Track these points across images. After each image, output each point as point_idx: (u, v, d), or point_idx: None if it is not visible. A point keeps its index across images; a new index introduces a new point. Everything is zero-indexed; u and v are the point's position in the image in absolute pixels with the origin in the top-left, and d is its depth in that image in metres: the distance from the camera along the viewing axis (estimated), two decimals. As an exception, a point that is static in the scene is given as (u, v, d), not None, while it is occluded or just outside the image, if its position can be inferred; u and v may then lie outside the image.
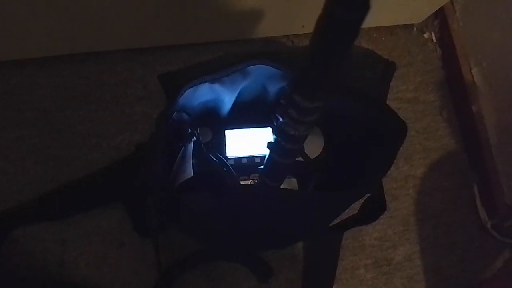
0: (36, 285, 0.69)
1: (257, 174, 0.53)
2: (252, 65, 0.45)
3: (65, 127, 0.74)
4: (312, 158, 0.53)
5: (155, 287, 0.70)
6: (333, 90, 0.28)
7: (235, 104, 0.54)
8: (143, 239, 0.71)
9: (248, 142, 0.56)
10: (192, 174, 0.47)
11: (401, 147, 0.88)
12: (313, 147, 0.54)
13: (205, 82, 0.45)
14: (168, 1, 0.63)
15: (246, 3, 0.68)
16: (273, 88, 0.53)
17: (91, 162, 0.72)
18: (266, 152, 0.54)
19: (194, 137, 0.49)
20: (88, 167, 0.72)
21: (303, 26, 0.81)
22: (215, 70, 0.45)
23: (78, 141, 0.74)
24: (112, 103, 0.76)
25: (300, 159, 0.52)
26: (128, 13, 0.65)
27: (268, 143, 0.39)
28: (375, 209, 0.55)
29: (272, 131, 0.36)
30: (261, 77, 0.50)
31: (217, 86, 0.47)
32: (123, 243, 0.71)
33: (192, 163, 0.49)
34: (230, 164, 0.52)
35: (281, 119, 0.33)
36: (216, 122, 0.56)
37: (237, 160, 0.55)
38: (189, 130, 0.49)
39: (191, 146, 0.50)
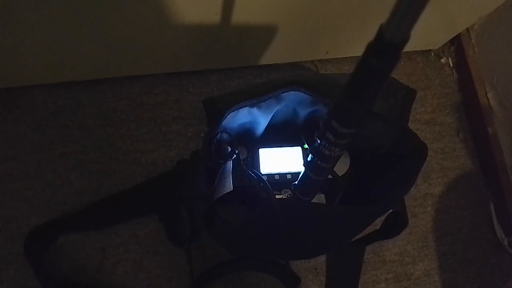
0: (77, 289, 0.74)
1: (288, 190, 0.58)
2: (288, 91, 0.51)
3: (107, 144, 0.79)
4: (340, 175, 0.58)
5: (187, 294, 0.74)
6: (367, 116, 0.33)
7: (268, 125, 0.59)
8: (176, 249, 0.75)
9: (280, 160, 0.61)
10: (232, 188, 0.52)
11: (420, 167, 0.91)
12: (341, 165, 0.59)
13: (246, 106, 0.50)
14: (200, 32, 0.69)
15: (272, 31, 0.74)
16: (303, 112, 0.59)
17: (130, 176, 0.78)
18: (296, 169, 0.60)
19: (234, 155, 0.54)
20: (127, 180, 0.77)
21: (327, 52, 0.86)
22: (254, 96, 0.51)
23: (119, 156, 0.79)
24: (150, 122, 0.82)
25: (329, 176, 0.56)
26: (165, 43, 0.71)
27: (305, 161, 0.44)
28: (397, 224, 0.60)
29: (309, 152, 0.41)
30: (293, 102, 0.56)
31: (255, 110, 0.53)
32: (158, 252, 0.75)
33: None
34: (264, 180, 0.57)
35: (318, 141, 0.38)
36: (251, 142, 0.61)
37: (270, 176, 0.60)
38: (229, 148, 0.54)
39: (230, 163, 0.55)
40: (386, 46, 0.25)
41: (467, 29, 0.94)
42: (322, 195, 0.59)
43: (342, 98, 0.31)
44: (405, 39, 0.25)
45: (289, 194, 0.56)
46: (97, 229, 0.75)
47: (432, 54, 0.97)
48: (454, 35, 0.92)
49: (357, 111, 0.32)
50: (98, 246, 0.75)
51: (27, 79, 0.78)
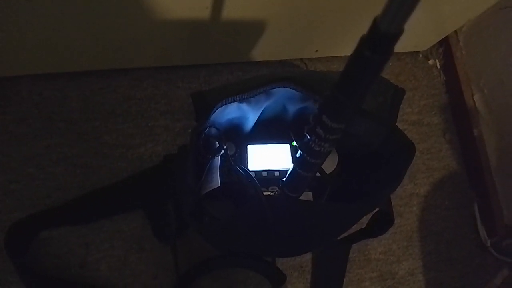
0: (59, 285, 0.72)
1: (275, 187, 0.58)
2: (278, 87, 0.50)
3: (93, 138, 0.78)
4: (328, 173, 0.58)
5: (172, 290, 0.74)
6: (357, 113, 0.33)
7: (257, 121, 0.59)
8: (162, 245, 0.74)
9: (268, 157, 0.60)
10: (219, 184, 0.52)
11: (406, 166, 0.92)
12: (329, 163, 0.59)
13: (235, 101, 0.50)
14: (190, 25, 0.68)
15: (262, 28, 0.73)
16: (292, 108, 0.58)
17: (116, 171, 0.77)
18: (285, 166, 0.59)
19: (222, 151, 0.53)
20: (113, 175, 0.76)
21: (316, 50, 0.87)
22: (244, 91, 0.50)
23: (105, 150, 0.78)
24: (137, 116, 0.80)
25: (317, 174, 0.56)
26: (154, 36, 0.70)
27: (293, 157, 0.44)
28: (383, 223, 0.60)
29: (298, 147, 0.41)
30: (282, 98, 0.56)
31: (244, 105, 0.53)
32: (143, 248, 0.74)
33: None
34: (251, 177, 0.56)
35: (308, 137, 0.38)
36: (240, 137, 0.61)
37: (258, 173, 0.59)
38: (217, 144, 0.53)
39: (218, 158, 0.55)
40: (381, 38, 0.25)
41: (456, 31, 0.95)
42: (310, 193, 0.59)
43: (334, 92, 0.31)
44: (400, 31, 0.25)
45: (276, 191, 0.56)
46: (81, 224, 0.74)
47: (420, 55, 0.98)
48: (442, 37, 0.93)
49: (349, 105, 0.31)
50: (82, 242, 0.74)
51: (12, 69, 0.76)
